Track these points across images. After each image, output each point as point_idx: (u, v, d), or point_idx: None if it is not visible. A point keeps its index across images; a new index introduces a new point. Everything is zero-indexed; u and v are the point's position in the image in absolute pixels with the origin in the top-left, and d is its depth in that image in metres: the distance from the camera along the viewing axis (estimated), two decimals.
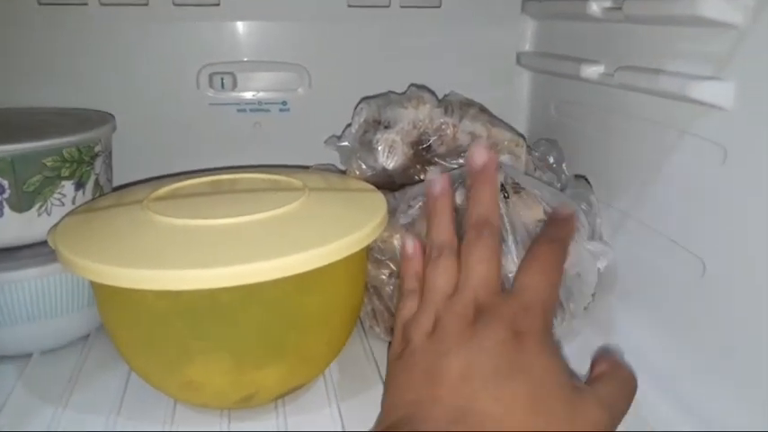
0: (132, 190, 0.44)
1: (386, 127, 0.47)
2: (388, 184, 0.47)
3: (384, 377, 0.39)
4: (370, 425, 0.34)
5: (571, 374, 0.32)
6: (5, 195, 0.43)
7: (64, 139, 0.45)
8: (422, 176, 0.47)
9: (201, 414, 0.39)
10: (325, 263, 0.33)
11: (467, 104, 0.50)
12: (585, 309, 0.49)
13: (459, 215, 0.39)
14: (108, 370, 0.44)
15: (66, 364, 0.45)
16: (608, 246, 0.50)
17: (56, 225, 0.40)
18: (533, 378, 0.30)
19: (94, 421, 0.39)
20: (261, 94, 0.61)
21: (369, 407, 0.35)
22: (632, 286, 0.49)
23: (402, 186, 0.46)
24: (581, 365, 0.45)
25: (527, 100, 0.66)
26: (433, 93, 0.51)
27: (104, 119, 0.51)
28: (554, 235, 0.37)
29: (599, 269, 0.48)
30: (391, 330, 0.46)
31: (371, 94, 0.57)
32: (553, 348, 0.32)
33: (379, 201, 0.41)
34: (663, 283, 0.45)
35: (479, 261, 0.34)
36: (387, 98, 0.49)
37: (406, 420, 0.30)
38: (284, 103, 0.61)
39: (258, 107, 0.61)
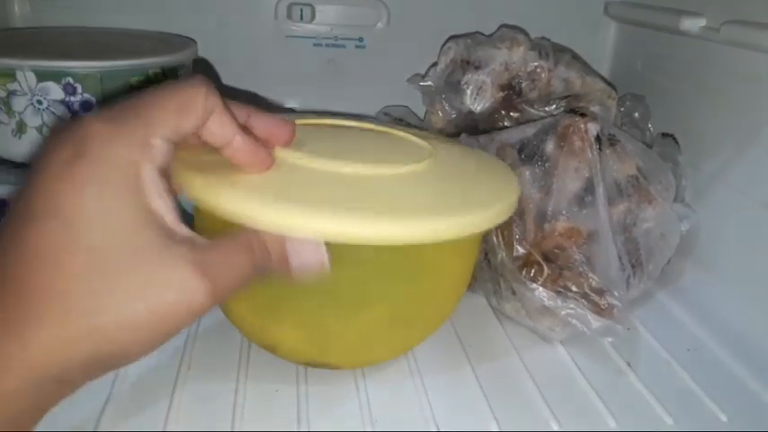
0: None
1: (476, 68, 0.45)
2: (471, 128, 0.46)
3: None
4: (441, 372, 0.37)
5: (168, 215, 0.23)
6: (93, 111, 0.43)
7: (151, 59, 0.45)
8: (506, 123, 0.46)
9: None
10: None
11: (559, 50, 0.47)
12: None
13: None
14: None
15: None
16: (691, 208, 0.48)
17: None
18: (74, 220, 0.21)
19: None
20: (338, 30, 0.59)
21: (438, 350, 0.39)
22: (716, 253, 0.47)
23: (485, 131, 0.44)
24: (654, 329, 0.44)
25: (611, 52, 0.63)
26: (526, 34, 0.48)
27: (187, 44, 0.50)
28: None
29: (681, 232, 0.47)
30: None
31: (451, 33, 0.54)
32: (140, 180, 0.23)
33: (511, 177, 0.33)
34: (752, 250, 0.43)
35: None
36: (476, 38, 0.47)
37: None
38: (360, 39, 0.60)
39: (334, 42, 0.60)
